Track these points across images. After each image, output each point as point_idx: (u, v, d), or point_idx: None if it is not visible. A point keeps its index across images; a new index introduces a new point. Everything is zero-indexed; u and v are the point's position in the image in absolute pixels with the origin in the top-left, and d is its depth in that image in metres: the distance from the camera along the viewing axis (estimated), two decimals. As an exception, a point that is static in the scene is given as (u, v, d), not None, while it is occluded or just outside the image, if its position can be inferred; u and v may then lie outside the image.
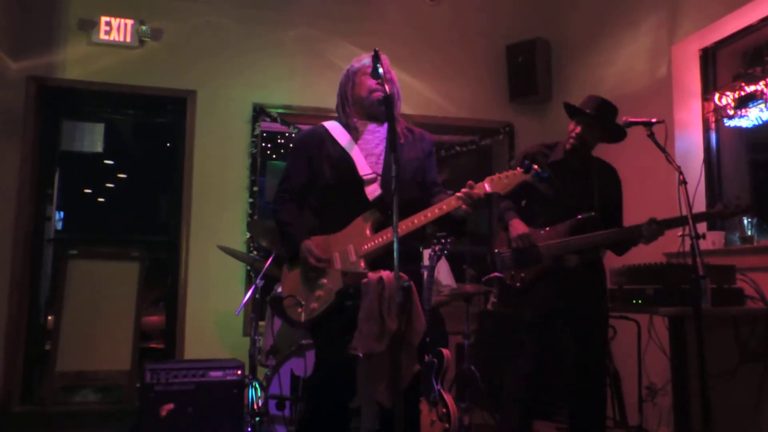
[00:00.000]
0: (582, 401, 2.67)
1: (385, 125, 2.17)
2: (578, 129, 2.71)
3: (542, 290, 2.68)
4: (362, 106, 2.20)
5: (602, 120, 2.68)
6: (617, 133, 2.73)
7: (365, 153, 2.13)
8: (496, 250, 2.83)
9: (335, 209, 2.13)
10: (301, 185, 2.19)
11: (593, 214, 2.65)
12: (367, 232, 2.04)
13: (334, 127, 2.20)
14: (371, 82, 2.15)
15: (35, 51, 4.17)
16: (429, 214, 2.01)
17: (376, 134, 2.18)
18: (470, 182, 1.99)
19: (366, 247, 2.03)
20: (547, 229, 2.70)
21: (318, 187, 2.16)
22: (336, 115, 2.29)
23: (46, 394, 4.01)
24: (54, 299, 4.24)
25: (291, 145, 2.28)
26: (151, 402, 2.97)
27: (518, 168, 1.96)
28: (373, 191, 2.07)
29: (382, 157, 2.14)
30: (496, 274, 2.81)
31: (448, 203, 1.99)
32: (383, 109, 2.11)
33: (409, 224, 2.00)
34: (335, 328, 2.02)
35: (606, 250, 2.81)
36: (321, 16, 4.60)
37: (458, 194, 1.98)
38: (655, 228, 2.50)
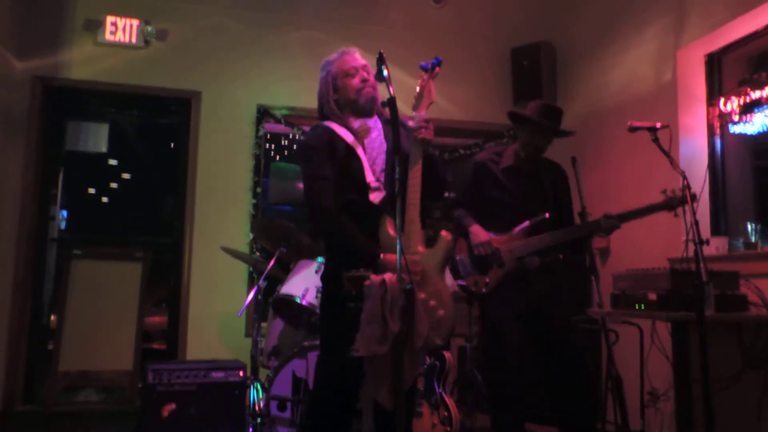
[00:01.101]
0: (567, 402, 2.68)
1: (377, 121, 2.19)
2: (527, 138, 2.78)
3: (507, 296, 2.72)
4: (353, 105, 2.16)
5: (549, 126, 2.75)
6: (563, 134, 2.81)
7: (371, 154, 2.12)
8: (457, 257, 2.86)
9: (345, 212, 2.08)
10: (334, 178, 2.05)
11: (546, 215, 2.72)
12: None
13: (336, 127, 2.15)
14: (355, 82, 2.14)
15: (41, 51, 4.19)
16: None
17: (373, 133, 2.16)
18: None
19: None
20: (506, 233, 2.76)
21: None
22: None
23: (49, 393, 4.02)
24: (57, 299, 4.25)
25: (304, 147, 2.16)
26: (153, 402, 2.97)
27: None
28: (376, 197, 2.07)
29: (381, 156, 2.13)
30: (460, 281, 2.83)
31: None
32: (372, 105, 2.13)
33: None
34: (339, 331, 2.02)
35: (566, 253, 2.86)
36: (325, 18, 4.61)
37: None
38: (613, 222, 2.62)
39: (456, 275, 2.87)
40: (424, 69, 2.08)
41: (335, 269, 2.03)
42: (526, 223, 2.73)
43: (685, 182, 2.31)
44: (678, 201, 2.49)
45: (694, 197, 2.42)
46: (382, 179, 2.10)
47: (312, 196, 2.07)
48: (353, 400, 2.12)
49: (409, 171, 1.94)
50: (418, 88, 2.07)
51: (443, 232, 1.99)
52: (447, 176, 2.25)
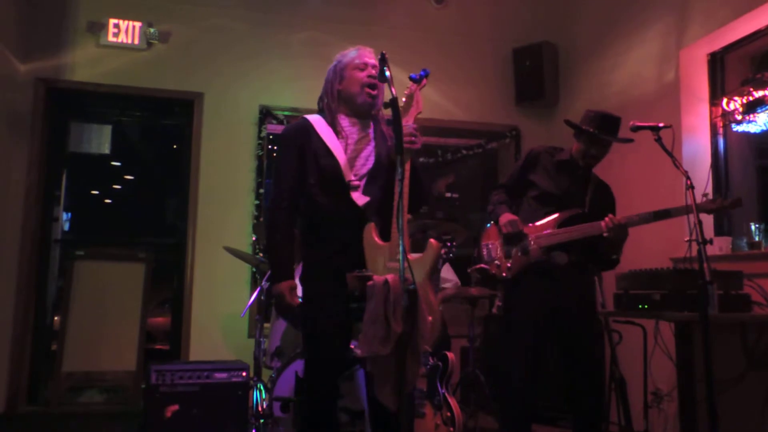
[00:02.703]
0: (580, 401, 2.68)
1: (371, 125, 2.18)
2: (583, 147, 2.74)
3: (532, 289, 2.71)
4: (351, 102, 2.13)
5: (607, 137, 2.70)
6: (621, 141, 2.75)
7: (353, 155, 2.09)
8: (484, 243, 2.86)
9: (323, 214, 2.09)
10: (293, 183, 2.10)
11: (579, 211, 2.69)
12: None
13: (318, 123, 2.12)
14: (362, 75, 2.11)
15: (44, 53, 4.20)
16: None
17: (362, 134, 2.13)
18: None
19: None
20: (537, 223, 2.74)
21: (307, 185, 2.09)
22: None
23: (52, 394, 4.03)
24: (60, 300, 4.27)
25: (278, 140, 2.22)
26: (156, 403, 2.97)
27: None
28: (359, 198, 2.06)
29: (371, 160, 2.11)
30: (481, 265, 2.82)
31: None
32: (372, 107, 2.12)
33: None
34: (334, 330, 2.03)
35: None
36: (327, 19, 4.62)
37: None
38: (618, 224, 2.58)
39: (479, 261, 2.86)
40: (413, 80, 2.08)
41: (311, 271, 2.11)
42: (557, 215, 2.70)
43: (688, 182, 2.30)
44: (718, 206, 2.44)
45: (735, 204, 2.40)
46: (363, 183, 2.08)
47: (272, 195, 2.14)
48: (337, 395, 2.13)
49: (396, 180, 1.88)
50: (404, 98, 2.07)
51: (431, 240, 1.97)
52: (428, 192, 2.25)
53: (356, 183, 2.06)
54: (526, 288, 2.72)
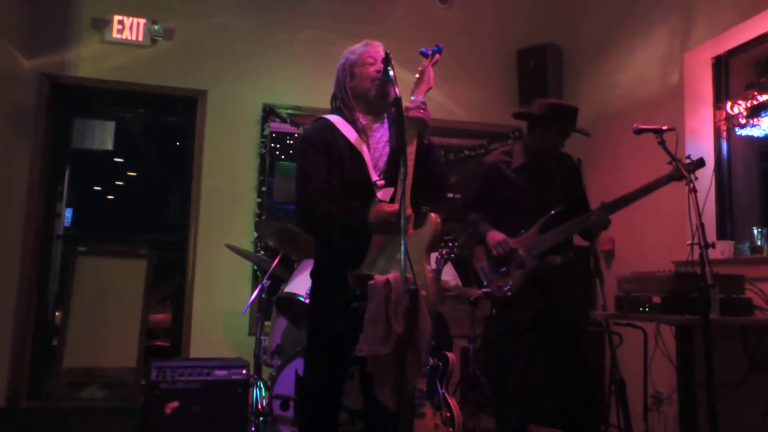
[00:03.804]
0: (573, 401, 2.68)
1: (386, 122, 2.17)
2: (546, 140, 2.76)
3: (526, 295, 2.71)
4: (365, 97, 2.11)
5: (567, 127, 2.74)
6: (579, 133, 2.78)
7: (374, 154, 2.09)
8: (476, 266, 2.86)
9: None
10: (327, 182, 2.02)
11: (553, 211, 2.69)
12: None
13: (340, 123, 2.09)
14: (371, 70, 2.09)
15: (48, 49, 4.20)
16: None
17: (379, 132, 2.13)
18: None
19: None
20: (521, 233, 2.75)
21: (330, 187, 2.04)
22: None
23: (53, 389, 4.04)
24: (62, 296, 4.28)
25: (303, 141, 2.12)
26: (156, 399, 2.98)
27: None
28: (385, 194, 2.03)
29: (386, 151, 2.11)
30: (485, 290, 2.83)
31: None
32: (384, 102, 2.09)
33: None
34: (336, 330, 2.03)
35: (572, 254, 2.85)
36: (331, 18, 4.62)
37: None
38: (603, 215, 2.62)
39: (480, 284, 2.86)
40: (424, 55, 2.08)
41: (326, 266, 2.07)
42: (537, 222, 2.72)
43: (691, 185, 2.30)
44: (686, 167, 2.44)
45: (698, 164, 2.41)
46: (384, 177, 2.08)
47: (300, 194, 2.05)
48: (341, 392, 2.11)
49: (398, 179, 1.84)
50: (417, 74, 2.07)
51: (431, 214, 1.97)
52: (447, 176, 2.23)
53: (381, 182, 2.04)
54: (520, 296, 2.73)
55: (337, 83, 2.16)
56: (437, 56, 2.09)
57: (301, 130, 4.49)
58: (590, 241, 2.93)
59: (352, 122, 2.10)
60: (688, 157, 2.51)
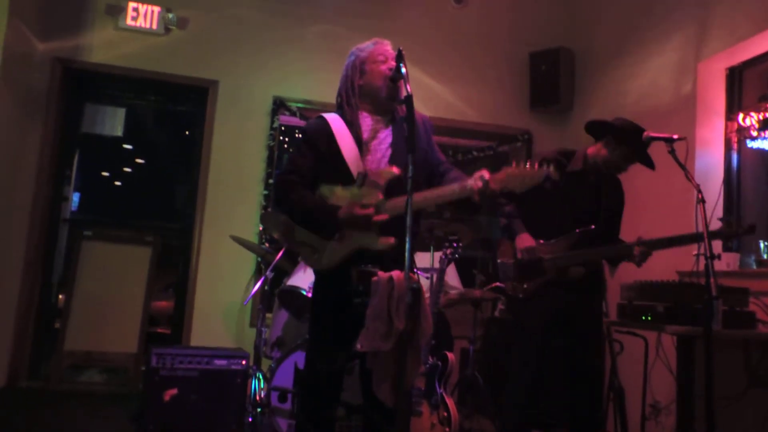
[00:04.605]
0: (579, 408, 2.68)
1: (390, 125, 2.13)
2: (612, 157, 2.70)
3: (543, 299, 2.70)
4: (375, 96, 2.09)
5: (646, 158, 2.68)
6: (647, 162, 2.72)
7: (375, 156, 2.06)
8: (499, 260, 2.84)
9: None
10: (308, 170, 2.05)
11: (593, 227, 2.66)
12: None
13: (335, 122, 2.08)
14: (384, 68, 2.05)
15: (62, 33, 4.22)
16: (437, 193, 1.96)
17: (381, 133, 2.10)
18: (484, 173, 1.86)
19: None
20: (552, 241, 2.72)
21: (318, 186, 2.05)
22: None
23: (53, 371, 4.06)
24: (66, 279, 4.30)
25: (300, 135, 2.19)
26: (155, 386, 3.00)
27: (536, 166, 1.86)
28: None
29: (387, 157, 2.07)
30: (499, 283, 2.82)
31: (460, 188, 1.92)
32: (394, 102, 2.06)
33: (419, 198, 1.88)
34: (338, 324, 2.03)
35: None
36: (344, 12, 4.62)
37: (470, 183, 1.89)
38: (644, 250, 2.55)
39: (496, 277, 2.86)
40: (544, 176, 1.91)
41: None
42: (572, 234, 2.67)
43: (700, 195, 2.29)
44: (734, 231, 2.45)
45: (750, 230, 2.41)
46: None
47: (282, 173, 2.11)
48: (340, 387, 2.12)
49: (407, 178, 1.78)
50: (524, 179, 1.88)
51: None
52: None
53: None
54: (536, 300, 2.71)
55: (345, 80, 2.13)
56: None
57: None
58: (612, 266, 2.85)
59: (350, 124, 2.07)
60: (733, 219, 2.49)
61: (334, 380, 2.08)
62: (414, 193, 1.74)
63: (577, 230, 2.67)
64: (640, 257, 2.58)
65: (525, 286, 2.71)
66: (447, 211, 3.51)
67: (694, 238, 2.50)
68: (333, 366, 2.06)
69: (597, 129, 2.79)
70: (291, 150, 2.15)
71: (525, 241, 2.72)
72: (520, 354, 2.72)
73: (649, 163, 2.72)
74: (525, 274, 2.73)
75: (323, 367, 2.06)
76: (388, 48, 2.13)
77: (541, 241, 2.73)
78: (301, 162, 2.08)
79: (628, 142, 2.66)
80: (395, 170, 1.96)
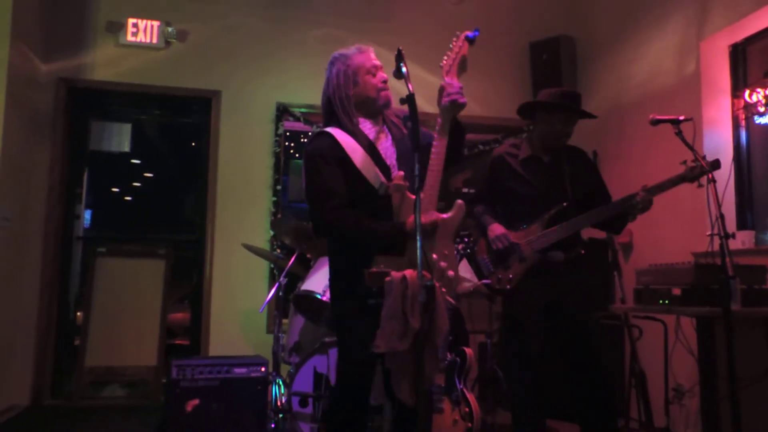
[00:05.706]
0: (587, 395, 2.65)
1: (384, 125, 2.17)
2: (550, 127, 2.72)
3: (530, 289, 2.69)
4: (368, 105, 2.12)
5: (572, 107, 2.70)
6: (585, 116, 2.75)
7: (386, 154, 2.11)
8: (478, 257, 2.85)
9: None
10: (342, 188, 2.02)
11: (564, 205, 2.66)
12: None
13: (340, 136, 2.07)
14: (376, 81, 2.11)
15: (65, 53, 4.26)
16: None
17: (381, 134, 2.14)
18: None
19: None
20: (524, 227, 2.72)
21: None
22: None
23: (76, 388, 4.11)
24: (83, 296, 4.35)
25: (311, 156, 2.08)
26: (177, 397, 3.01)
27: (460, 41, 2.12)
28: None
29: (392, 150, 2.13)
30: (485, 281, 2.81)
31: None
32: (388, 106, 2.13)
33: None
34: (359, 327, 2.03)
35: (584, 248, 2.80)
36: (343, 15, 4.62)
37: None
38: (645, 196, 2.53)
39: (480, 275, 2.86)
40: (470, 40, 2.16)
41: (347, 264, 2.06)
42: (542, 216, 2.69)
43: (710, 176, 2.27)
44: (699, 171, 2.43)
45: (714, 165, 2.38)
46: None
47: (322, 209, 2.05)
48: (369, 393, 2.12)
49: (435, 142, 1.98)
50: (453, 55, 2.10)
51: (458, 201, 2.03)
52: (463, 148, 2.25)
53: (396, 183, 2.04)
54: (524, 289, 2.71)
55: (337, 89, 2.10)
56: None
57: (314, 130, 4.50)
58: (616, 233, 2.90)
59: (354, 134, 2.08)
60: (704, 157, 2.46)
61: (368, 385, 2.07)
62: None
63: (546, 213, 2.67)
64: (643, 204, 2.55)
65: (510, 276, 2.71)
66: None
67: (682, 178, 2.48)
68: (366, 369, 2.04)
69: (527, 111, 2.82)
70: (312, 175, 2.11)
71: (495, 230, 2.74)
72: (518, 350, 2.70)
73: (588, 114, 2.74)
74: (503, 261, 2.74)
75: (359, 372, 2.04)
76: (373, 57, 2.16)
77: (513, 232, 2.73)
78: (333, 183, 2.03)
79: (557, 106, 2.68)
80: (400, 173, 2.01)
